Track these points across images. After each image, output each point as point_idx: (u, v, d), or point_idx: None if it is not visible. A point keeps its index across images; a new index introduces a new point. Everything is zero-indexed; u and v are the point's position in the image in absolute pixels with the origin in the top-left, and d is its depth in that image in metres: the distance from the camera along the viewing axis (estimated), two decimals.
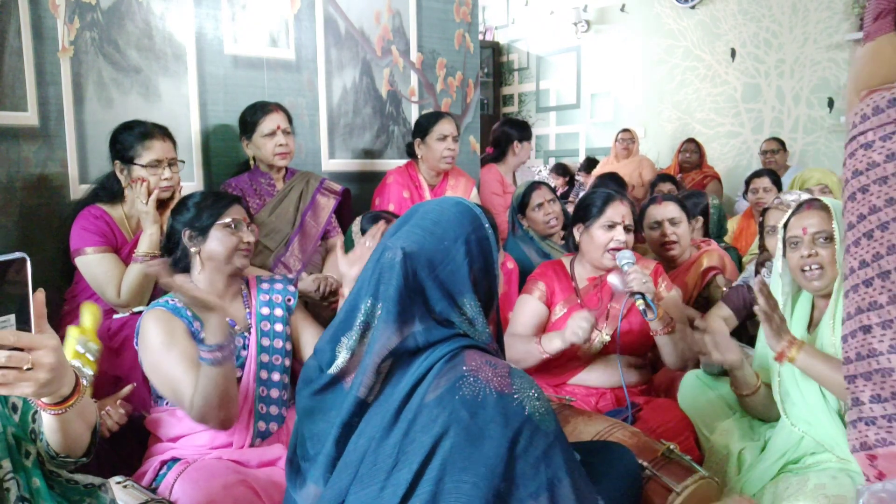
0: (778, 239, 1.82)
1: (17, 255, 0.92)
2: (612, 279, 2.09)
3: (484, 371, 1.12)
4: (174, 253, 1.84)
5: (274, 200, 2.66)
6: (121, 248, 2.22)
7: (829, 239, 1.70)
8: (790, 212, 1.80)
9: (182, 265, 1.84)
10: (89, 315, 1.70)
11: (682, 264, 2.71)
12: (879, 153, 1.27)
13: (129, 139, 2.20)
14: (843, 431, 1.60)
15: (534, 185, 3.09)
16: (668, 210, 2.67)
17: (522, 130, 3.72)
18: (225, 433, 1.70)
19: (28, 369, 0.93)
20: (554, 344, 2.00)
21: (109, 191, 2.25)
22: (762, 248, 2.34)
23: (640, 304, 1.98)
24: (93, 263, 2.16)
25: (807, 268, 1.72)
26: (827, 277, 1.70)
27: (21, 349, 0.92)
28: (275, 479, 1.63)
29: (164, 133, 2.25)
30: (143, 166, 2.17)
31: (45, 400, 1.01)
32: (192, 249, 1.81)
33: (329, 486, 1.16)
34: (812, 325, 1.80)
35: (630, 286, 1.99)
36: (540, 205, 3.03)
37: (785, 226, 1.79)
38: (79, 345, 1.62)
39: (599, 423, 1.79)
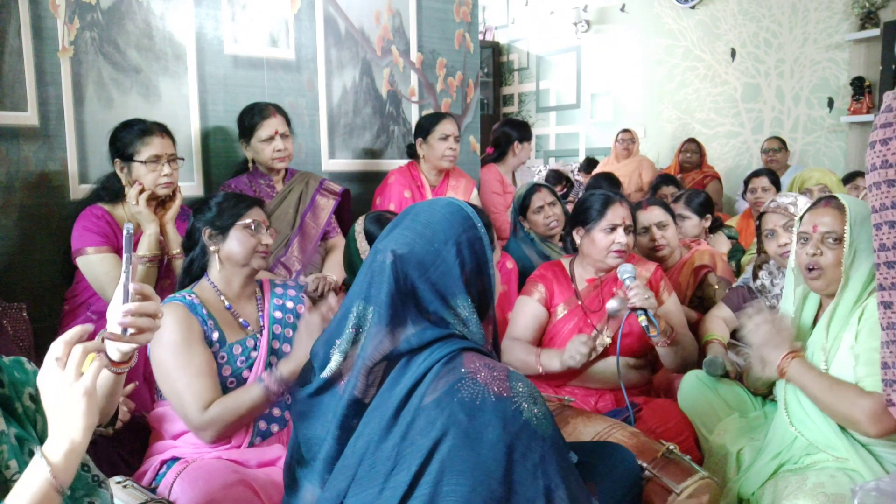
0: (794, 232, 1.79)
1: (130, 225, 1.07)
2: (611, 305, 2.08)
3: (482, 373, 1.11)
4: (193, 251, 1.86)
5: (273, 201, 2.66)
6: (121, 248, 2.21)
7: (838, 240, 1.65)
8: (808, 206, 1.76)
9: (200, 264, 1.85)
10: None
11: (674, 265, 2.72)
12: None
13: (128, 136, 2.20)
14: (838, 434, 1.60)
15: (534, 188, 3.09)
16: (654, 214, 2.68)
17: (522, 131, 3.72)
18: None
19: None
20: (552, 364, 2.05)
21: (111, 190, 2.25)
22: (760, 250, 2.33)
23: (642, 319, 1.98)
24: (93, 263, 2.16)
25: (810, 266, 1.69)
26: (826, 279, 1.67)
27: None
28: (274, 478, 1.63)
29: (163, 130, 2.24)
30: (142, 162, 2.17)
31: (116, 358, 1.12)
32: (212, 248, 1.82)
33: (327, 489, 1.16)
34: (814, 325, 1.77)
35: (632, 302, 1.99)
36: (540, 207, 3.03)
37: (801, 219, 1.75)
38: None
39: (599, 423, 1.79)
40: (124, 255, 1.07)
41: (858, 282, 1.63)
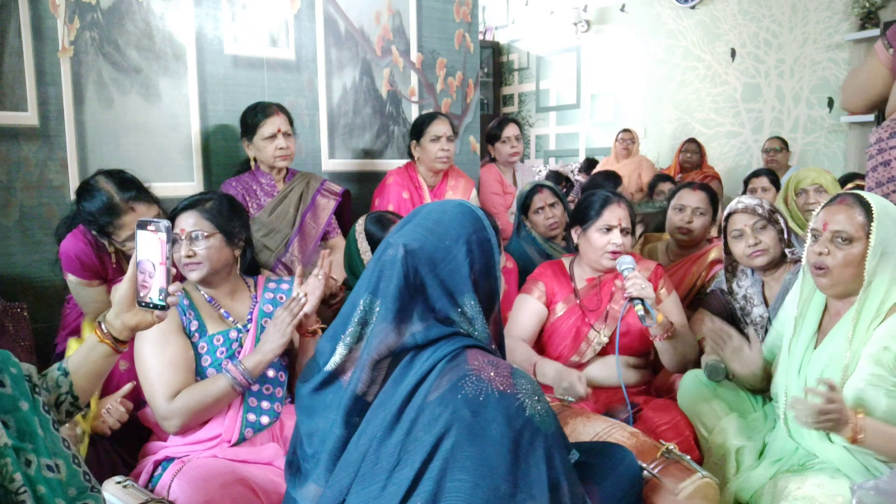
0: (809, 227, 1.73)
1: (167, 222, 1.23)
2: (622, 262, 2.07)
3: (486, 370, 1.12)
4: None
5: (274, 201, 2.66)
6: (112, 279, 2.14)
7: (849, 240, 1.59)
8: (826, 201, 1.70)
9: None
10: (87, 330, 1.72)
11: (692, 255, 2.76)
12: None
13: (101, 216, 2.01)
14: (838, 447, 1.59)
15: (536, 188, 3.07)
16: (696, 198, 2.71)
17: (492, 131, 3.69)
18: (216, 424, 1.72)
19: None
20: (546, 376, 2.03)
21: (103, 232, 2.06)
22: (727, 252, 2.29)
23: (638, 309, 1.98)
24: (75, 289, 2.14)
25: (817, 265, 1.64)
26: (833, 278, 1.62)
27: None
28: (272, 477, 1.63)
29: (133, 199, 2.03)
30: (121, 242, 2.05)
31: (123, 338, 1.27)
32: None
33: (330, 485, 1.16)
34: (821, 330, 1.71)
35: (629, 292, 1.99)
36: (541, 208, 3.02)
37: (816, 214, 1.69)
38: None
39: (598, 423, 1.79)
40: (165, 246, 1.22)
41: (881, 286, 1.57)
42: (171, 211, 1.87)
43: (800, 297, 1.77)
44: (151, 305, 1.25)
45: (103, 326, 1.26)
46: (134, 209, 2.02)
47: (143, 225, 1.23)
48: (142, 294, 1.25)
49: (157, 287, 1.24)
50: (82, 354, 1.28)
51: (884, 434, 1.50)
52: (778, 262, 2.20)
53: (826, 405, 1.50)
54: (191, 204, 1.82)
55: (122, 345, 1.27)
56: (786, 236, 2.18)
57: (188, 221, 1.79)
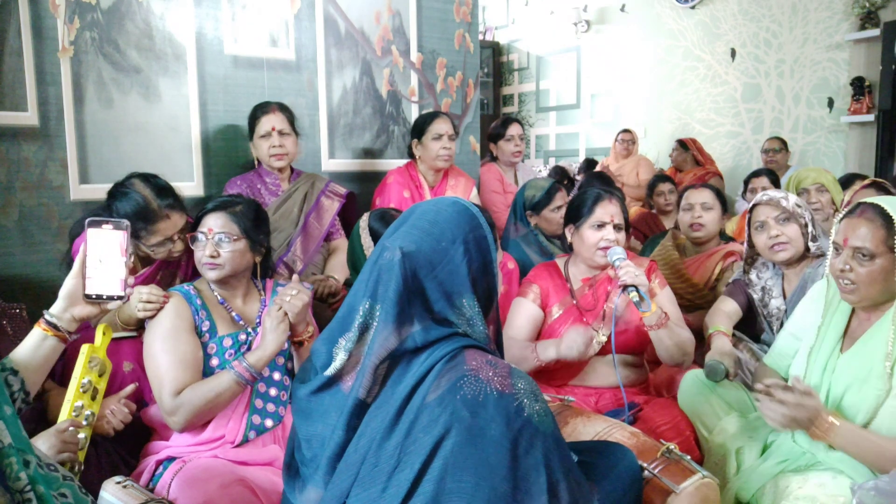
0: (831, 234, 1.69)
1: (128, 223, 1.36)
2: (611, 254, 2.10)
3: (485, 371, 1.12)
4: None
5: (278, 200, 2.68)
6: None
7: (871, 257, 1.54)
8: (846, 210, 1.65)
9: None
10: (101, 334, 1.69)
11: (708, 251, 2.84)
12: None
13: (135, 220, 1.91)
14: (842, 456, 1.58)
15: (556, 186, 3.10)
16: (702, 195, 2.86)
17: (495, 129, 3.79)
18: (220, 425, 1.72)
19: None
20: (548, 353, 2.05)
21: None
22: (749, 244, 2.30)
23: (633, 296, 1.98)
24: None
25: (841, 280, 1.61)
26: (860, 294, 1.58)
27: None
28: (272, 478, 1.63)
29: (170, 206, 1.98)
30: (150, 246, 2.00)
31: (72, 329, 1.33)
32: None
33: (330, 488, 1.15)
34: (847, 335, 1.68)
35: (622, 280, 1.99)
36: (560, 206, 3.03)
37: (839, 222, 1.65)
38: (91, 362, 1.63)
39: (599, 423, 1.79)
40: (125, 243, 1.33)
41: None
42: (199, 210, 1.88)
43: (823, 307, 1.73)
44: (104, 297, 1.34)
45: (52, 320, 1.31)
46: (169, 216, 1.98)
47: (94, 224, 1.32)
48: (91, 289, 1.33)
49: (111, 281, 1.33)
50: (29, 350, 1.30)
51: (857, 437, 1.51)
52: (801, 256, 2.20)
53: (793, 402, 1.52)
54: (221, 205, 1.84)
55: (71, 335, 1.34)
56: (810, 229, 2.18)
57: (216, 222, 1.81)
